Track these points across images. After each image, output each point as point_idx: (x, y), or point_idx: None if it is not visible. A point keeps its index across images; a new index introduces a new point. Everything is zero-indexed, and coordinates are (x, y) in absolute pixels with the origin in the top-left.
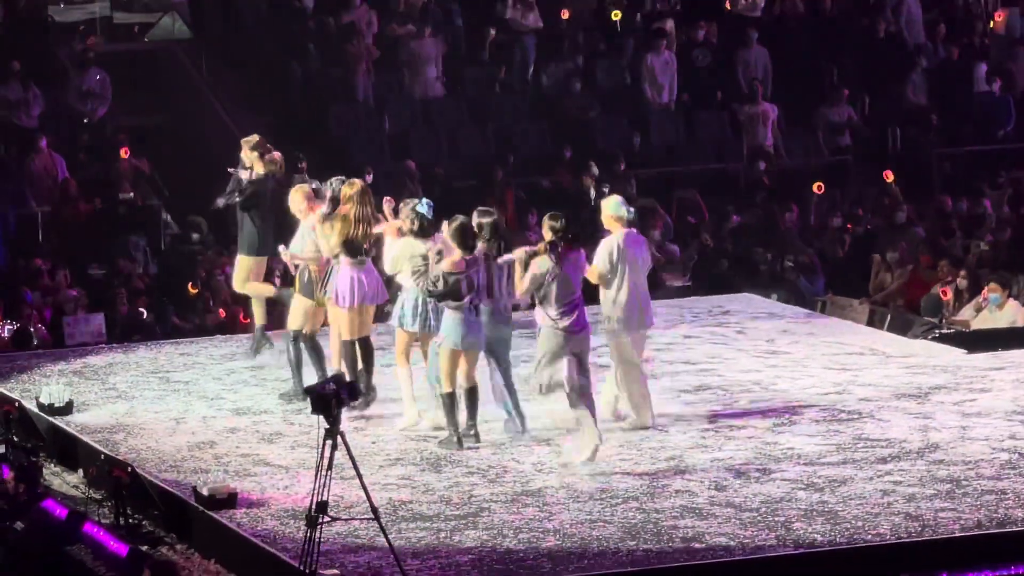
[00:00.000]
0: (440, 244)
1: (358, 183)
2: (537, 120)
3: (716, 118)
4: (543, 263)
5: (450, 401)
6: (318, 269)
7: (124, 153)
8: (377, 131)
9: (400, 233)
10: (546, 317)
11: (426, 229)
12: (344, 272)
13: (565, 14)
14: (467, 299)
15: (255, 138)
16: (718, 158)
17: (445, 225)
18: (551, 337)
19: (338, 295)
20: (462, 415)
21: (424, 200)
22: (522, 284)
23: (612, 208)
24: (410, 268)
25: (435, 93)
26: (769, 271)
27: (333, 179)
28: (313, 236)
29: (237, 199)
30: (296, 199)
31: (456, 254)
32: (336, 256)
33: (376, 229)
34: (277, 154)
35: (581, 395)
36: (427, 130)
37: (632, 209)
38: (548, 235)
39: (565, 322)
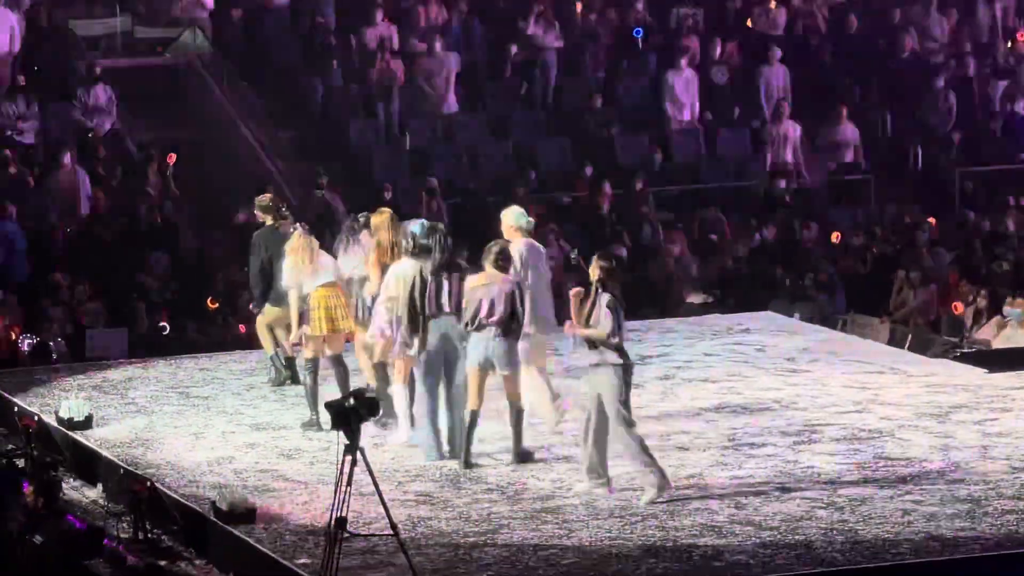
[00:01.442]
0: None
1: (386, 211)
2: (558, 136)
3: (737, 136)
4: (614, 302)
5: (472, 419)
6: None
7: (171, 160)
8: (397, 147)
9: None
10: (615, 355)
11: (419, 250)
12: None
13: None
14: (491, 319)
15: (267, 197)
16: (739, 176)
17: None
18: (626, 373)
19: (382, 330)
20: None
21: (420, 221)
22: (603, 327)
23: (512, 218)
24: (404, 290)
25: (451, 109)
26: (790, 289)
27: (359, 216)
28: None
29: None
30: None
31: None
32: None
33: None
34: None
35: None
36: (447, 146)
37: (531, 220)
38: (596, 273)
39: (627, 359)
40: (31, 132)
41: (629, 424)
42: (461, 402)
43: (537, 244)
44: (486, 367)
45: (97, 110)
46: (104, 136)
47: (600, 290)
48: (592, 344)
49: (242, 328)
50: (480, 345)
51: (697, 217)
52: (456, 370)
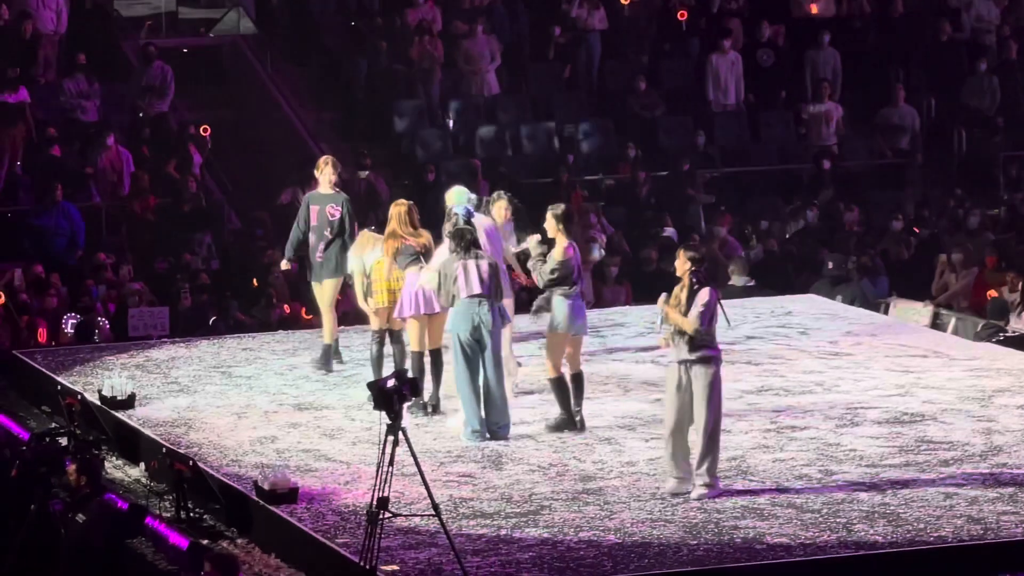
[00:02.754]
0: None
1: (403, 204)
2: (601, 118)
3: (781, 118)
4: (705, 294)
5: (558, 386)
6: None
7: (205, 131)
8: (441, 128)
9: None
10: (711, 350)
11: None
12: (407, 281)
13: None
14: (574, 285)
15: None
16: (782, 159)
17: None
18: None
19: (402, 305)
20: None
21: (468, 200)
22: (693, 319)
23: (455, 198)
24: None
25: (493, 91)
26: (832, 272)
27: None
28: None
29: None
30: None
31: (563, 241)
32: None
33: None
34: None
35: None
36: (491, 128)
37: (473, 196)
38: (687, 266)
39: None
40: (93, 110)
41: (718, 427)
42: (499, 384)
43: (486, 218)
44: (575, 333)
45: (152, 91)
46: (145, 115)
47: (695, 283)
48: (682, 334)
49: (285, 308)
50: (568, 311)
51: (741, 200)
52: (488, 352)
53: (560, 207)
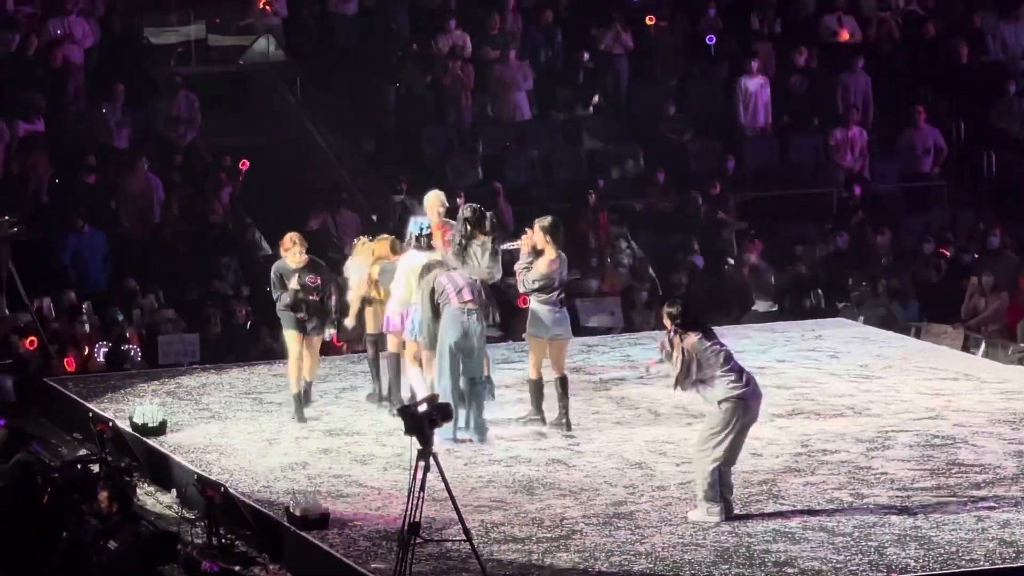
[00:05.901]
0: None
1: (387, 239)
2: (630, 143)
3: (810, 142)
4: (689, 351)
5: (534, 387)
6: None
7: (244, 166)
8: (470, 154)
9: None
10: (711, 390)
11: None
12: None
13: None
14: (556, 293)
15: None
16: (812, 182)
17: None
18: (740, 405)
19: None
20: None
21: (419, 221)
22: (673, 371)
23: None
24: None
25: (523, 116)
26: (859, 296)
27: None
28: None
29: None
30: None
31: (551, 253)
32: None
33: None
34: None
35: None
36: (520, 153)
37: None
38: (666, 323)
39: (747, 389)
40: (124, 138)
41: (714, 457)
42: (479, 390)
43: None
44: (553, 339)
45: (180, 120)
46: (175, 142)
47: (676, 335)
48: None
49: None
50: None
51: (771, 224)
52: (473, 359)
53: (548, 219)
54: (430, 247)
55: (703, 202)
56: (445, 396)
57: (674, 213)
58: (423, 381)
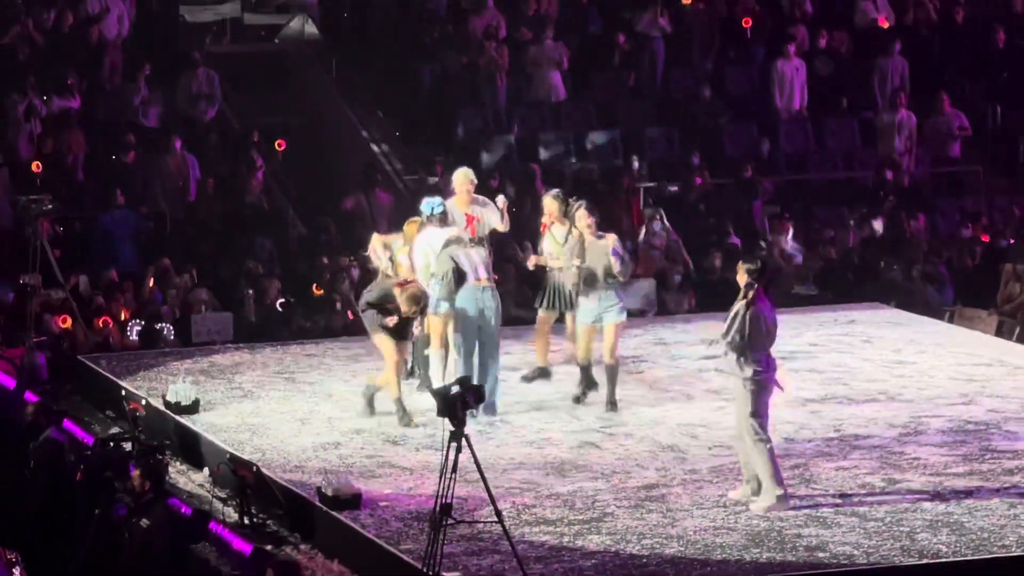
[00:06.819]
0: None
1: (415, 221)
2: (666, 125)
3: (845, 126)
4: (742, 308)
5: (585, 373)
6: None
7: (280, 146)
8: (504, 135)
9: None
10: (745, 367)
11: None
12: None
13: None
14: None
15: None
16: (847, 166)
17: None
18: (762, 387)
19: None
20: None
21: (428, 200)
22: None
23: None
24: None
25: (558, 97)
26: (894, 280)
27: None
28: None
29: None
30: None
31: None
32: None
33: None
34: None
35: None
36: (555, 134)
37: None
38: (744, 278)
39: (768, 371)
40: (155, 116)
41: (759, 438)
42: (494, 365)
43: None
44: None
45: (201, 97)
46: (210, 121)
47: (747, 297)
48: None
49: (349, 315)
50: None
51: (806, 208)
52: (487, 335)
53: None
54: (445, 222)
55: (737, 185)
56: (459, 373)
57: (709, 196)
58: (440, 363)
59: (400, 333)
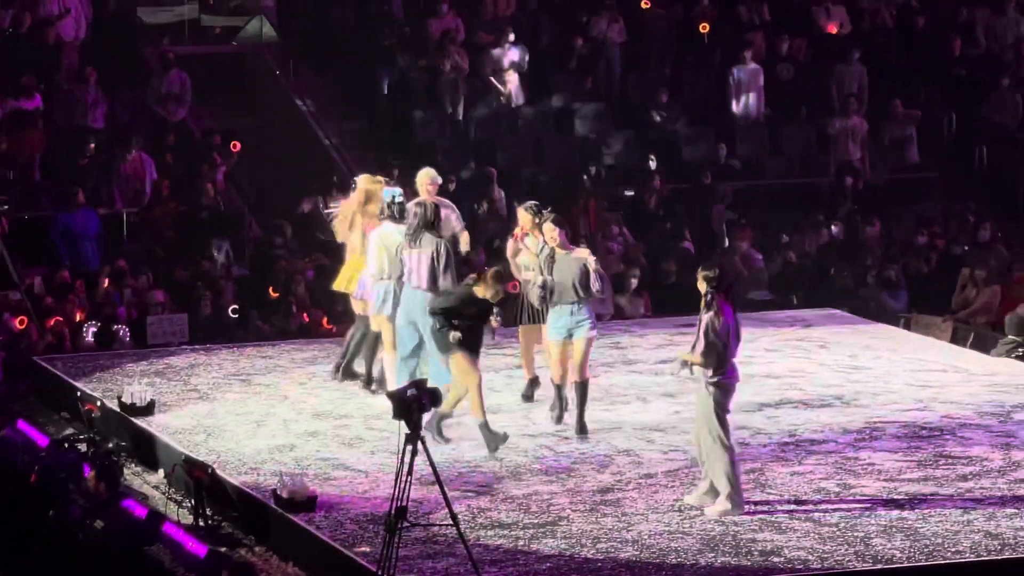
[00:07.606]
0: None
1: (380, 180)
2: (622, 130)
3: (802, 132)
4: (706, 317)
5: (559, 393)
6: None
7: (235, 147)
8: (462, 138)
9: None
10: (712, 372)
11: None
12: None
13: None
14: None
15: None
16: (804, 172)
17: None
18: (728, 392)
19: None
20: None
21: (393, 189)
22: (698, 353)
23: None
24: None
25: (516, 101)
26: (849, 287)
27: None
28: None
29: None
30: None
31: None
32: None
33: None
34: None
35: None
36: (512, 138)
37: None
38: (702, 286)
39: (732, 378)
40: (101, 118)
41: (724, 444)
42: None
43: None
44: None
45: (171, 98)
46: (174, 123)
47: (707, 303)
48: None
49: (304, 317)
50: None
51: (762, 214)
52: (425, 337)
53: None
54: (402, 216)
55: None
56: (399, 371)
57: (665, 200)
58: (393, 366)
59: (470, 344)
